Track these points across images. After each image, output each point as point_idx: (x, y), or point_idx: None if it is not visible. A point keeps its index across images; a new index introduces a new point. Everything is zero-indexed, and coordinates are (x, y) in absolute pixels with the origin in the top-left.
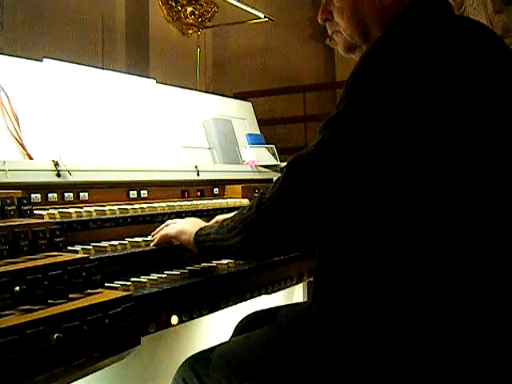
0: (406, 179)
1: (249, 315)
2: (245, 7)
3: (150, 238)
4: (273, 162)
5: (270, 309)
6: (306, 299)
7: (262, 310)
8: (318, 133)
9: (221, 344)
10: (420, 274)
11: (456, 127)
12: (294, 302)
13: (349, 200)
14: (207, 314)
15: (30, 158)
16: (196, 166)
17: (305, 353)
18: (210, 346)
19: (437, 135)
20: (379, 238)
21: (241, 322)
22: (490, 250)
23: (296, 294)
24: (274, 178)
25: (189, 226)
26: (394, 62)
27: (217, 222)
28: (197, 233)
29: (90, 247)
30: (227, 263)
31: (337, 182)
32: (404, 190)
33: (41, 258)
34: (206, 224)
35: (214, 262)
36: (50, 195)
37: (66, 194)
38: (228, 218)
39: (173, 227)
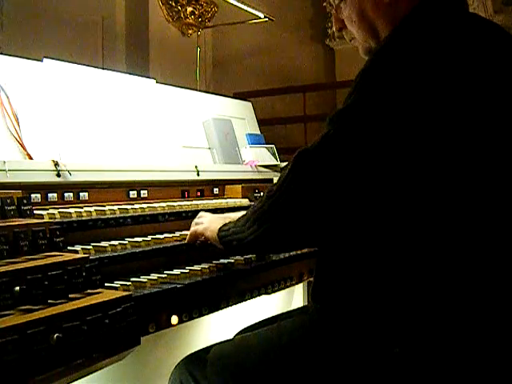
0: (409, 177)
1: (248, 327)
2: (245, 7)
3: (150, 237)
4: (273, 161)
5: (270, 318)
6: (305, 300)
7: (262, 321)
8: (325, 126)
9: (216, 344)
10: (420, 273)
11: (462, 127)
12: (293, 302)
13: (352, 195)
14: (207, 313)
15: (30, 158)
16: (196, 166)
17: (303, 352)
18: (206, 346)
19: (442, 134)
20: (380, 236)
21: (239, 332)
22: (489, 249)
23: (296, 294)
24: (275, 178)
25: (215, 223)
26: (402, 59)
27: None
28: (220, 228)
29: (90, 247)
30: (227, 263)
31: (341, 176)
32: (407, 188)
33: (41, 258)
34: (231, 220)
35: (214, 262)
36: (50, 195)
37: (66, 194)
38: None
39: (201, 223)
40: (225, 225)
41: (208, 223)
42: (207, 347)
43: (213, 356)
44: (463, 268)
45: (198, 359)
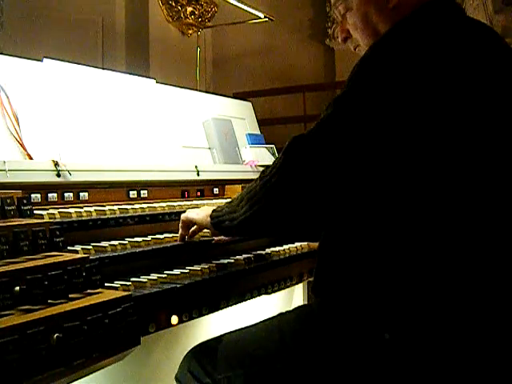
0: (401, 164)
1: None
2: (245, 7)
3: (150, 237)
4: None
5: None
6: (306, 300)
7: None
8: (322, 112)
9: (225, 334)
10: (411, 262)
11: (455, 122)
12: (293, 302)
13: (343, 180)
14: (207, 313)
15: (30, 158)
16: (196, 166)
17: (304, 342)
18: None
19: (435, 121)
20: (374, 225)
21: None
22: (482, 239)
23: (296, 294)
24: None
25: (206, 208)
26: (397, 50)
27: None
28: (214, 210)
29: (90, 247)
30: (227, 263)
31: (333, 161)
32: (399, 175)
33: (41, 258)
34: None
35: (214, 262)
36: (50, 195)
37: (65, 194)
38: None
39: (192, 210)
40: (218, 207)
41: (200, 209)
42: (216, 337)
43: (221, 345)
44: (452, 260)
45: (207, 348)
